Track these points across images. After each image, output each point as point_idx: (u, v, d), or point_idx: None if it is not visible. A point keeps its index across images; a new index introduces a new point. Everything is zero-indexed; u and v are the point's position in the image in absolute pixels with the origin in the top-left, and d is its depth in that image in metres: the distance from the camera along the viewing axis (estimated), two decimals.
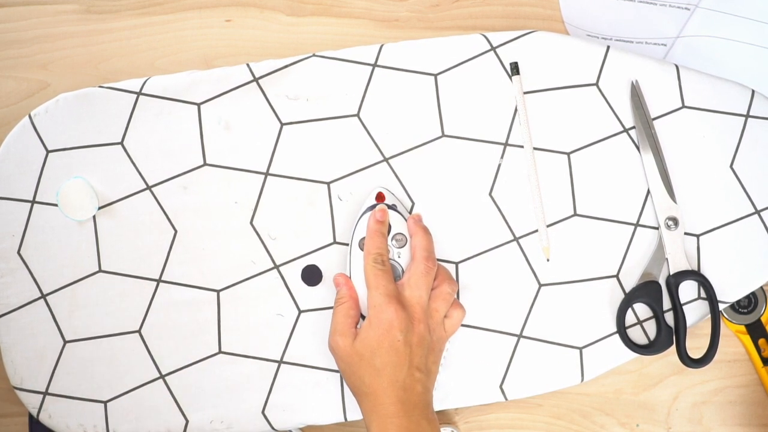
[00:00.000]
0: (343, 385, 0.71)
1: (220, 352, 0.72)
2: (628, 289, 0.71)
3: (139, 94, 0.72)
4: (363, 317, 0.68)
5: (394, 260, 0.69)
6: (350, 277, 0.70)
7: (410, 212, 0.72)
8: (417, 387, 0.64)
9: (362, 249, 0.69)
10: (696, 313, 0.71)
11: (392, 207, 0.70)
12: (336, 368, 0.71)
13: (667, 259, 0.71)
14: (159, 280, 0.72)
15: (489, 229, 0.72)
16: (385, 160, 0.72)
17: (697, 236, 0.71)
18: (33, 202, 0.72)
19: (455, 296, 0.69)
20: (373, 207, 0.70)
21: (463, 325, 0.71)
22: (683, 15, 0.80)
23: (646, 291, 0.71)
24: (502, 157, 0.72)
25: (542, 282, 0.71)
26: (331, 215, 0.72)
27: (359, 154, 0.72)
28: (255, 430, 0.71)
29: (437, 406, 0.70)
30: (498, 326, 0.71)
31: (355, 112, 0.72)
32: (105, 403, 0.71)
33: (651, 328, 0.71)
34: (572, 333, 0.71)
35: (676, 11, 0.80)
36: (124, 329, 0.72)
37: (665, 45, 0.80)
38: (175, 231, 0.72)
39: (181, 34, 0.80)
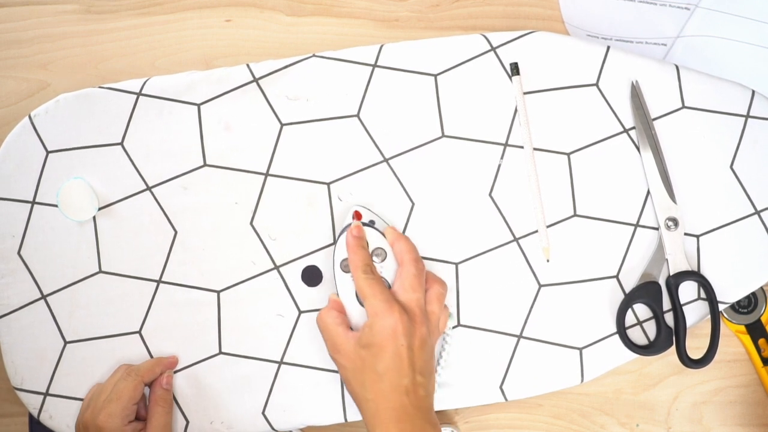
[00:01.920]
0: (343, 385, 0.71)
1: (220, 352, 0.72)
2: (628, 290, 0.71)
3: (139, 94, 0.72)
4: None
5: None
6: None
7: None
8: (419, 391, 0.63)
9: (345, 270, 0.69)
10: (696, 313, 0.71)
11: (370, 224, 0.70)
12: (336, 369, 0.71)
13: (667, 259, 0.71)
14: (159, 281, 0.72)
15: (489, 229, 0.72)
16: (385, 160, 0.72)
17: (697, 237, 0.71)
18: (33, 202, 0.72)
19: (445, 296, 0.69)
20: (349, 226, 0.70)
21: (463, 326, 0.71)
22: (683, 15, 0.79)
23: (646, 291, 0.71)
24: (502, 157, 0.72)
25: (542, 282, 0.71)
26: (332, 216, 0.72)
27: (359, 154, 0.72)
28: (255, 431, 0.71)
29: (437, 406, 0.70)
30: (498, 327, 0.71)
31: (355, 113, 0.72)
32: None
33: (651, 328, 0.71)
34: (572, 333, 0.71)
35: (676, 11, 0.79)
36: (125, 330, 0.72)
37: (665, 45, 0.80)
38: (175, 232, 0.72)
39: (181, 34, 0.80)
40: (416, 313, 0.65)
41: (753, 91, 0.72)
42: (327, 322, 0.67)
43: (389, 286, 0.68)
